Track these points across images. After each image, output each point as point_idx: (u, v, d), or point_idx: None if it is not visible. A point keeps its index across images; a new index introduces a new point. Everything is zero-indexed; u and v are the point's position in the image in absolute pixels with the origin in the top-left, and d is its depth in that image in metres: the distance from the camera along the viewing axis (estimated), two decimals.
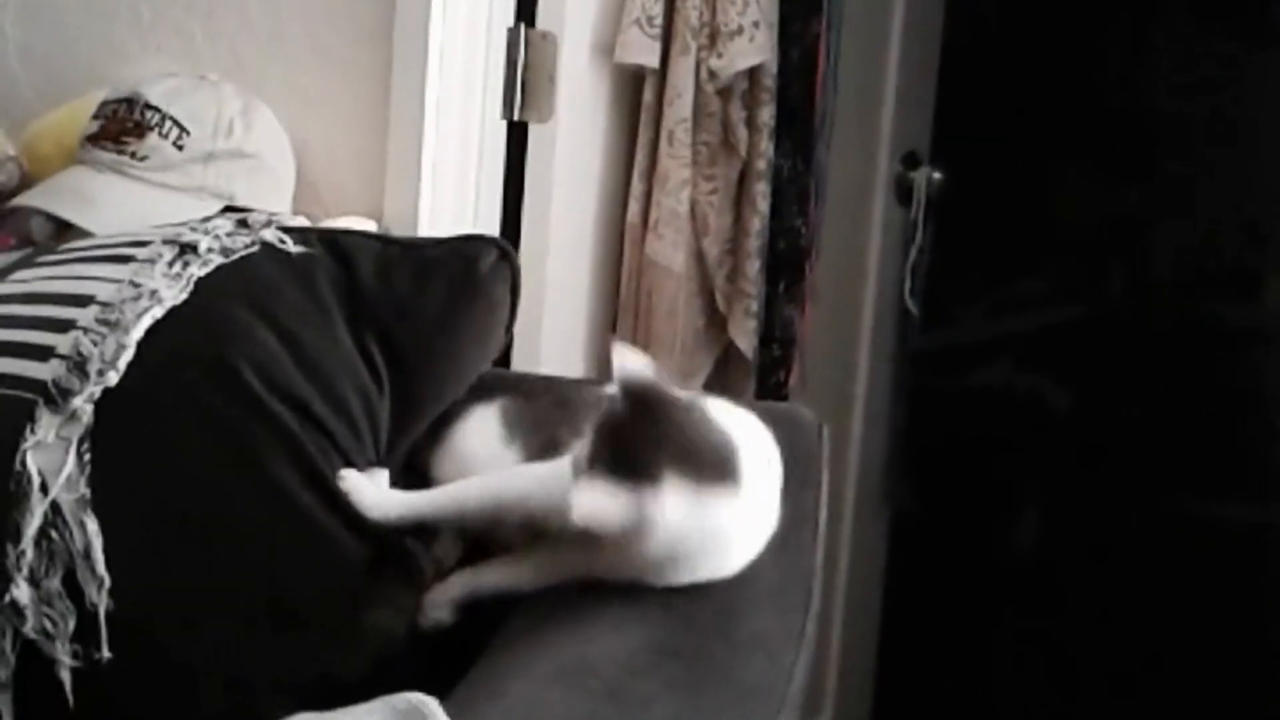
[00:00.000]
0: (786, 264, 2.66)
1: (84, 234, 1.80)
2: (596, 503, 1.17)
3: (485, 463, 1.41)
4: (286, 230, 1.52)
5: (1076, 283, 3.49)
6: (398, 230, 2.04)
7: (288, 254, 1.49)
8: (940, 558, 3.43)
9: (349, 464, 1.39)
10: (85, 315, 1.41)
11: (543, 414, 1.43)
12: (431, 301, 1.47)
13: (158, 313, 1.40)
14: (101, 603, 1.32)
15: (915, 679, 3.44)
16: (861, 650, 3.39)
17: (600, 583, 1.29)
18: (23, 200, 1.95)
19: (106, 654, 1.32)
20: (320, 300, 1.44)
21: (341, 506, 1.36)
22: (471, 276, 1.47)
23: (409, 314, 1.46)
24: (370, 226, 2.03)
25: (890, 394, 3.25)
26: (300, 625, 1.35)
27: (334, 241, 1.56)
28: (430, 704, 1.06)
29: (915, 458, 3.35)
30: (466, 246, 1.52)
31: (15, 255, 1.67)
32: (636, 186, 2.47)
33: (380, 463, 1.42)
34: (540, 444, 1.38)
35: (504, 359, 1.71)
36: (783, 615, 1.39)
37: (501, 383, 1.56)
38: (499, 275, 1.48)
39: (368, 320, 1.45)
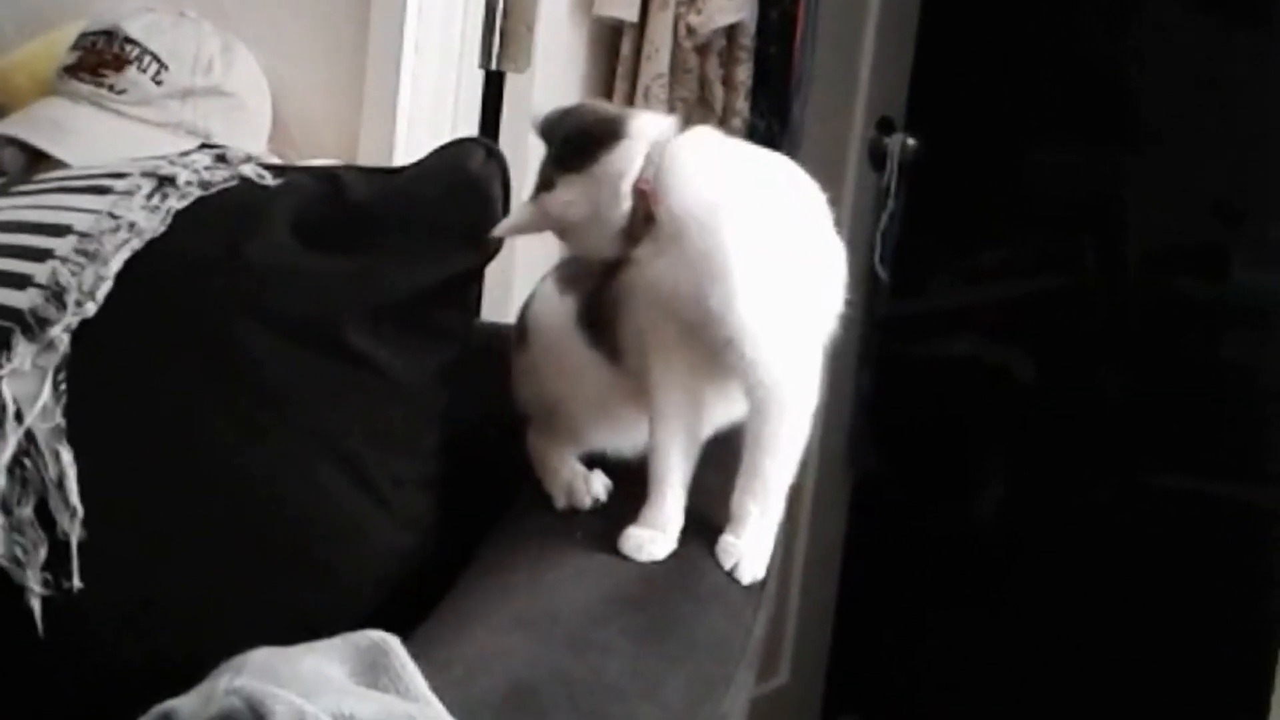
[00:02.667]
0: None
1: (57, 166, 1.79)
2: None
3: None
4: (265, 166, 1.51)
5: (1047, 255, 3.50)
6: None
7: (266, 187, 1.48)
8: (901, 524, 3.44)
9: (329, 388, 1.38)
10: (63, 245, 1.41)
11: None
12: (426, 203, 1.45)
13: (136, 244, 1.40)
14: (74, 532, 1.32)
15: (871, 644, 3.46)
16: (819, 613, 3.41)
17: None
18: None
19: (77, 583, 1.32)
20: (302, 228, 1.42)
21: (323, 439, 1.37)
22: (464, 176, 1.44)
23: (403, 217, 1.44)
24: None
25: (857, 357, 3.26)
26: (273, 559, 1.35)
27: (318, 169, 1.55)
28: (392, 641, 1.07)
29: (879, 423, 3.36)
30: (451, 150, 1.50)
31: None
32: None
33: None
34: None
35: (475, 307, 1.70)
36: None
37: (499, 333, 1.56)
38: (490, 172, 1.45)
39: (358, 235, 1.42)
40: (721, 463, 1.40)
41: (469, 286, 1.50)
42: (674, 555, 1.35)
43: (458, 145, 1.51)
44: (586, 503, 1.42)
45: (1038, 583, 3.34)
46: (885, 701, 3.49)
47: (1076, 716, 3.26)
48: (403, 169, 1.51)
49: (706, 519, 1.38)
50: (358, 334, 1.38)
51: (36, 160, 1.88)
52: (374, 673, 1.03)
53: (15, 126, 1.93)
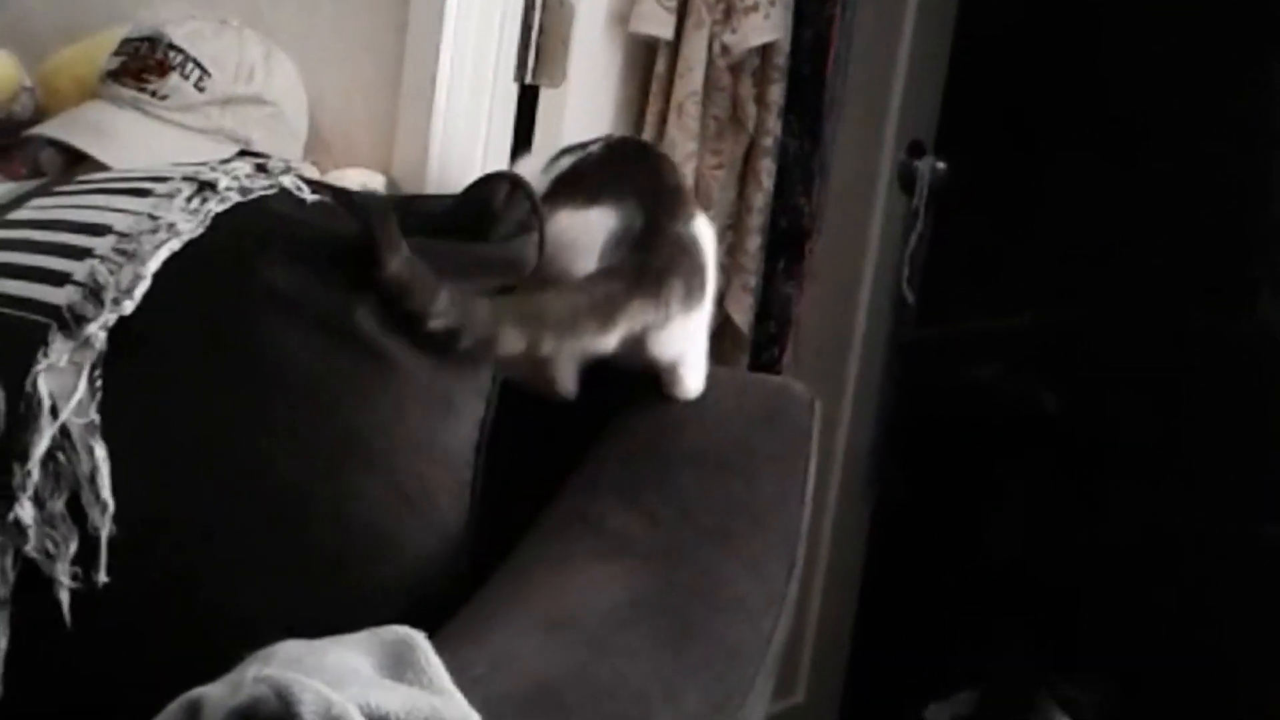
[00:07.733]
0: (787, 243, 2.69)
1: (96, 168, 1.81)
2: None
3: None
4: (304, 180, 1.53)
5: (1072, 284, 3.50)
6: (405, 186, 2.05)
7: (303, 200, 1.51)
8: (921, 546, 3.44)
9: (364, 399, 1.40)
10: (102, 244, 1.43)
11: None
12: (449, 244, 1.46)
13: (174, 245, 1.42)
14: (104, 527, 1.34)
15: (889, 665, 3.46)
16: (837, 634, 3.41)
17: None
18: (40, 130, 1.97)
19: (104, 578, 1.34)
20: (335, 243, 1.45)
21: (352, 441, 1.38)
22: (485, 214, 1.47)
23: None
24: (378, 180, 2.05)
25: (881, 379, 3.27)
26: (302, 559, 1.37)
27: (348, 196, 1.58)
28: (417, 637, 1.08)
29: (902, 445, 3.37)
30: (475, 190, 1.52)
31: (31, 184, 1.69)
32: None
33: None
34: None
35: None
36: (765, 581, 1.42)
37: None
38: (513, 205, 1.48)
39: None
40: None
41: None
42: (695, 564, 1.36)
43: (481, 184, 1.54)
44: None
45: (1053, 608, 3.34)
46: None
47: None
48: (432, 199, 1.54)
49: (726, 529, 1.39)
50: (368, 320, 1.39)
51: (76, 162, 1.90)
52: (400, 667, 1.04)
53: (57, 128, 1.95)
